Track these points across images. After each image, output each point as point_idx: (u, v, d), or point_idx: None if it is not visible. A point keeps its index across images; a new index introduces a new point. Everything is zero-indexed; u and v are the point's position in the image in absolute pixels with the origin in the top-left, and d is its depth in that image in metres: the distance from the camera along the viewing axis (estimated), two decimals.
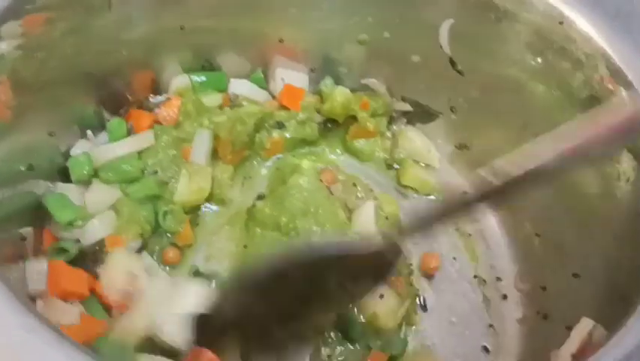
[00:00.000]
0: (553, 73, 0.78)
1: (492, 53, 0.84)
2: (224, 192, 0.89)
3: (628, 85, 0.71)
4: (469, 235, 0.93)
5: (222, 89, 0.95)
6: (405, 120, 1.00)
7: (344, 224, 0.84)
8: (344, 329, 0.78)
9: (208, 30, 0.90)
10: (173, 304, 0.71)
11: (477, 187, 0.58)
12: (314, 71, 0.98)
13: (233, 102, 0.94)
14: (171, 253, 0.82)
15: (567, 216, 0.82)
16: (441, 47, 0.87)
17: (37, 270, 0.73)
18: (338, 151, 0.99)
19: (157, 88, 0.94)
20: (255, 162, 0.94)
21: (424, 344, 0.82)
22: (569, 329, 0.68)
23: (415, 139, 0.98)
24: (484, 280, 0.89)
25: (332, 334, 0.78)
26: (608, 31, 0.73)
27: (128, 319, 0.71)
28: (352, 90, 0.97)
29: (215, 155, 0.89)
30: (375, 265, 0.67)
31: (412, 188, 0.96)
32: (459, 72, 0.89)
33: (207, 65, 0.95)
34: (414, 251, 0.88)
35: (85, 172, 0.81)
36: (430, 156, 0.98)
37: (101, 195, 0.81)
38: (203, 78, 0.94)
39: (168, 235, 0.83)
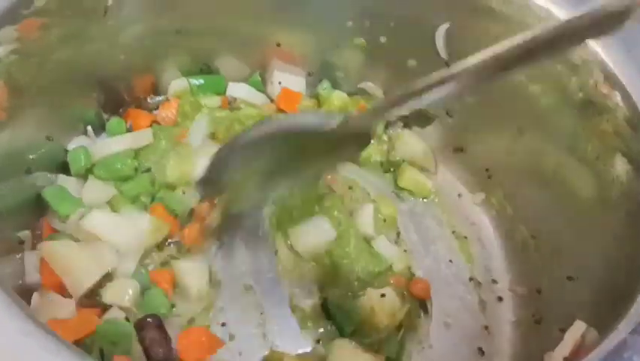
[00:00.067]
0: (548, 77, 0.79)
1: None
2: None
3: (622, 89, 0.71)
4: (465, 237, 0.93)
5: (221, 92, 0.96)
6: (401, 124, 1.00)
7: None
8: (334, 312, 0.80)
9: (205, 34, 0.91)
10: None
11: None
12: (311, 74, 0.99)
13: (231, 105, 0.95)
14: None
15: (562, 219, 0.82)
16: (437, 51, 0.88)
17: (34, 263, 0.73)
18: None
19: (157, 90, 0.95)
20: None
21: (420, 345, 0.82)
22: (563, 331, 0.68)
23: (411, 142, 0.98)
24: (480, 283, 0.89)
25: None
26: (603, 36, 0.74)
27: None
28: (349, 94, 0.98)
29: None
30: (340, 146, 0.66)
31: (408, 191, 0.96)
32: None
33: (205, 69, 0.96)
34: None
35: (82, 165, 0.82)
36: (426, 159, 0.98)
37: (96, 191, 0.82)
38: (202, 81, 0.95)
39: None
